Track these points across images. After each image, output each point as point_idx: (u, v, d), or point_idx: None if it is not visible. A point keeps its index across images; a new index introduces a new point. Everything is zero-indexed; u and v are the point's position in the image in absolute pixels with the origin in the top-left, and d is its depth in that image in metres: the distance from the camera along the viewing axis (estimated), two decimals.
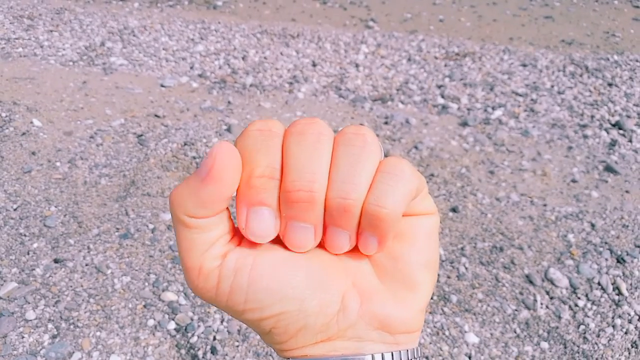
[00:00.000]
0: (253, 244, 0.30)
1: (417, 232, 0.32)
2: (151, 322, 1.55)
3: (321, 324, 0.29)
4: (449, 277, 1.72)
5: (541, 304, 1.64)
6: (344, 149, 0.29)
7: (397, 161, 0.29)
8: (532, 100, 2.84)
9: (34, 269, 1.67)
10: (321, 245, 0.31)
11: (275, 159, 0.28)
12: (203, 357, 1.45)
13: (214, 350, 1.47)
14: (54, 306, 1.57)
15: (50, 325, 1.52)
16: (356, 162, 0.28)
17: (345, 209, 0.28)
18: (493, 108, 2.75)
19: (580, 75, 3.11)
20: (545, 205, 2.03)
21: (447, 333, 1.55)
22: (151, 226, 1.84)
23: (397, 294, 0.31)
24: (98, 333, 1.51)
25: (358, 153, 0.29)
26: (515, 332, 1.57)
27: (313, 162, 0.28)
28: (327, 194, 0.28)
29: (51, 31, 3.38)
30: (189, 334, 1.51)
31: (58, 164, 2.10)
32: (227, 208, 0.30)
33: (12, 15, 3.58)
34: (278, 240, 0.30)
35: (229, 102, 2.65)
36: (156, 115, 2.45)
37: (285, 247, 0.30)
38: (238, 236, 0.31)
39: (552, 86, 2.99)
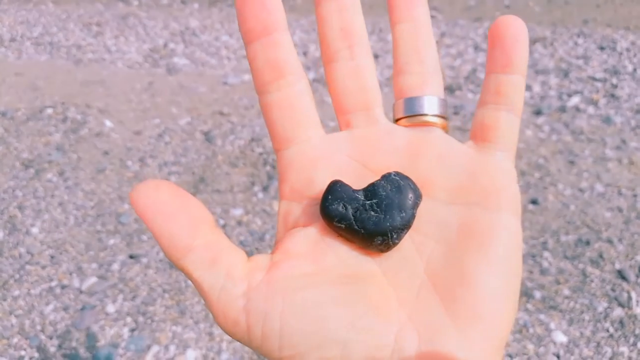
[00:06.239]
0: (281, 277, 0.25)
1: (495, 240, 0.26)
2: None
3: None
4: (531, 272, 1.62)
5: (637, 301, 1.51)
6: None
7: None
8: (612, 85, 2.65)
9: (111, 264, 1.71)
10: (366, 272, 0.26)
11: None
12: None
13: None
14: (131, 300, 1.60)
15: (129, 319, 1.55)
16: None
17: None
18: (569, 95, 2.59)
19: None
20: (635, 195, 1.87)
21: (531, 331, 1.46)
22: (221, 222, 1.84)
23: (466, 327, 0.24)
24: (174, 327, 1.53)
25: None
26: (608, 331, 1.45)
27: None
28: None
29: (117, 36, 3.49)
30: None
31: (129, 162, 2.15)
32: (219, 233, 0.27)
33: (82, 22, 3.73)
34: (312, 273, 0.25)
35: None
36: (221, 113, 2.47)
37: (321, 280, 0.25)
38: (259, 270, 0.26)
39: (635, 69, 2.78)
